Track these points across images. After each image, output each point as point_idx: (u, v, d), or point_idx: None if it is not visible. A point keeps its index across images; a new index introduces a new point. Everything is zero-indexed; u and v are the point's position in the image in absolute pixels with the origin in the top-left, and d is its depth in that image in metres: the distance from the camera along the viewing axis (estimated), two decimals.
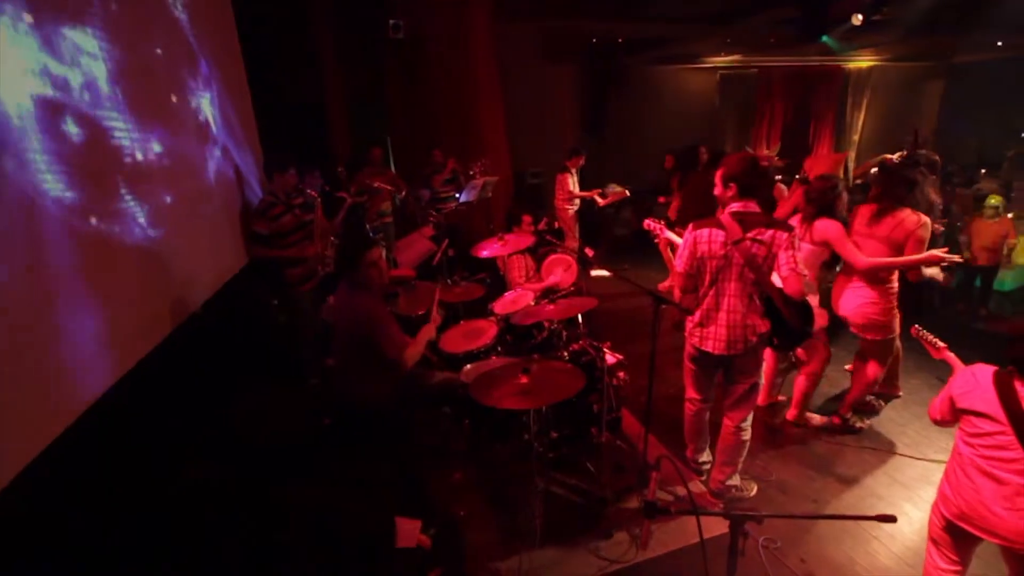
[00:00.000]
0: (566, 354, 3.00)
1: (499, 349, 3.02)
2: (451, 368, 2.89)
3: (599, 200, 5.89)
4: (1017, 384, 1.65)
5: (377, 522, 2.42)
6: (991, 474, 1.67)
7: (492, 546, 2.49)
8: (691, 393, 2.79)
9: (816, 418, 3.41)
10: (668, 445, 3.17)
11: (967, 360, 2.03)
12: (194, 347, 2.75)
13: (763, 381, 2.70)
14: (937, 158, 3.52)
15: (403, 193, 4.87)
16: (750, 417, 2.66)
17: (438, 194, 5.32)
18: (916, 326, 2.43)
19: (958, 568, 1.88)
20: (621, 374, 3.51)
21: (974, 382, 1.75)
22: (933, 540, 1.94)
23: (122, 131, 2.30)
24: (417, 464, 2.56)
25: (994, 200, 4.85)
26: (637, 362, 3.14)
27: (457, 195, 5.22)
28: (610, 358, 4.14)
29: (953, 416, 1.84)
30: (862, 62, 9.00)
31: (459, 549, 2.45)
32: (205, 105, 3.37)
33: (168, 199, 2.68)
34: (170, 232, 2.62)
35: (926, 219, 2.83)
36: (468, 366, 2.77)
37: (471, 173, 5.20)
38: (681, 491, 2.76)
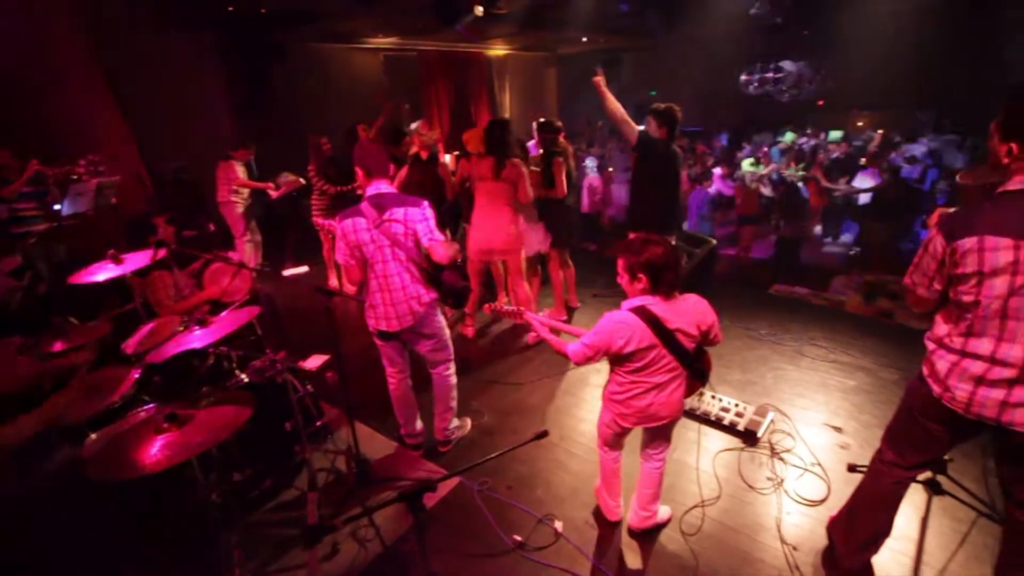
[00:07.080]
0: (244, 377, 2.58)
1: (145, 398, 2.37)
2: (71, 442, 2.12)
3: (272, 192, 5.28)
4: (653, 309, 1.93)
5: None
6: (655, 383, 2.02)
7: None
8: (387, 367, 2.86)
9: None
10: (384, 427, 3.16)
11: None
12: None
13: (447, 335, 2.87)
14: (560, 124, 4.63)
15: None
16: (452, 366, 2.91)
17: (16, 211, 3.73)
18: (490, 303, 2.56)
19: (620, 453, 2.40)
20: (329, 374, 3.28)
21: (628, 329, 1.94)
22: (607, 444, 2.34)
23: None
24: None
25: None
26: (347, 358, 2.98)
27: (56, 207, 3.81)
28: (314, 362, 3.82)
29: (613, 357, 2.05)
30: (499, 51, 10.49)
31: None
32: None
33: None
34: None
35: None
36: (94, 435, 2.07)
37: (73, 176, 3.84)
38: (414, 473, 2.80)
